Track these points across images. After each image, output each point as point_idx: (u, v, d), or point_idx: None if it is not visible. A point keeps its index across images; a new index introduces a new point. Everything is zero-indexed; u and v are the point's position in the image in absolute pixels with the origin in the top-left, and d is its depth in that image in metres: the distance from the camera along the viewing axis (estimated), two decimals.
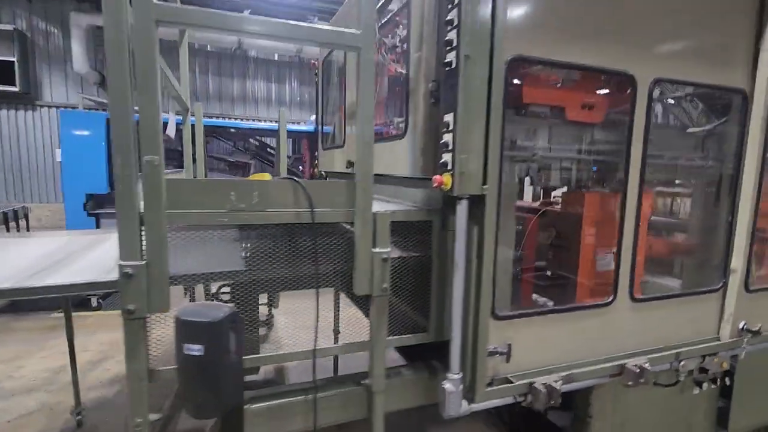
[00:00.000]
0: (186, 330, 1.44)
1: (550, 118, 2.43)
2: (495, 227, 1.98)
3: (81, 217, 6.90)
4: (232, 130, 8.11)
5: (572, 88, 2.45)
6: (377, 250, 1.95)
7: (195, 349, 1.41)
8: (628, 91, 2.35)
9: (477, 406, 2.11)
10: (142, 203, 1.63)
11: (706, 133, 2.79)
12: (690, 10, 2.40)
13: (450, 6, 1.86)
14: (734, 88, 2.60)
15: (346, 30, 1.83)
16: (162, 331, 1.77)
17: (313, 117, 9.99)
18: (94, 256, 2.73)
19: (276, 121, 13.69)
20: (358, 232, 1.95)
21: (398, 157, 2.35)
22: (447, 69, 1.90)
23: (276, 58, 14.00)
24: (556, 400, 2.11)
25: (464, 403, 2.09)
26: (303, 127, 8.74)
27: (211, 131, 7.81)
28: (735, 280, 2.74)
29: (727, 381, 2.93)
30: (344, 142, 3.39)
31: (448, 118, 1.90)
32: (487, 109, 1.89)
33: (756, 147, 2.62)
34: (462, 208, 1.95)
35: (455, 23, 1.83)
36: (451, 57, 1.87)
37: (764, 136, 2.60)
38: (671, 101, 2.69)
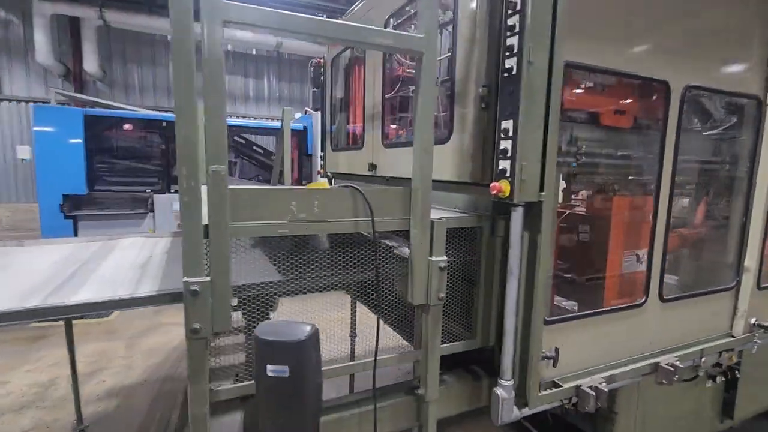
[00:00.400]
0: (270, 350, 1.36)
1: (586, 123, 2.46)
2: (551, 234, 1.98)
3: (57, 220, 6.50)
4: None
5: (607, 95, 2.49)
6: (434, 258, 1.92)
7: (280, 371, 1.34)
8: (658, 98, 2.42)
9: (527, 411, 2.12)
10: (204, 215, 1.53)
11: (720, 137, 2.90)
12: (714, 21, 2.48)
13: (510, 12, 1.84)
14: (750, 94, 2.72)
15: (410, 34, 1.78)
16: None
17: (299, 115, 9.79)
18: (112, 265, 2.57)
19: (257, 118, 13.40)
20: (416, 241, 1.91)
21: (440, 161, 2.31)
22: (506, 75, 1.88)
23: (254, 52, 13.62)
24: (603, 401, 2.15)
25: (515, 408, 2.10)
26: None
27: None
28: (748, 279, 2.87)
29: (737, 374, 3.08)
30: (363, 144, 3.33)
31: (507, 124, 1.88)
32: (545, 116, 1.88)
33: None
34: (518, 215, 1.95)
35: (516, 29, 1.81)
36: (511, 63, 1.85)
37: None
38: (694, 107, 2.78)
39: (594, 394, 2.13)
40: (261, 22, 1.50)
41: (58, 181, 6.47)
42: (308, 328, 1.41)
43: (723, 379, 3.08)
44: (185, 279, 1.49)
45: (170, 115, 7.63)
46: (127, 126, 6.91)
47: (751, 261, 2.86)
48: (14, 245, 3.04)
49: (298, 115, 9.77)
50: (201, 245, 1.51)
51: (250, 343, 1.85)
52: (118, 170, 7.14)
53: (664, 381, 2.43)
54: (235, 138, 8.41)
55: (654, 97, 2.45)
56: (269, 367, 1.36)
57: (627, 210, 2.50)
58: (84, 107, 7.03)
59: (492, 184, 1.92)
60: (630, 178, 2.62)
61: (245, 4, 1.46)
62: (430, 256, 1.92)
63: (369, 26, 1.73)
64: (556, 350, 2.17)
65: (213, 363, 1.76)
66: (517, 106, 1.83)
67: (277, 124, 9.93)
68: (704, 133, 2.93)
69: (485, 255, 2.15)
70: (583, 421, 2.92)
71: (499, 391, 2.07)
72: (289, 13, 1.56)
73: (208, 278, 1.52)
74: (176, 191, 7.31)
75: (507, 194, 1.89)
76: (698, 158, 2.88)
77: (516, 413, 2.10)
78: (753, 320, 2.92)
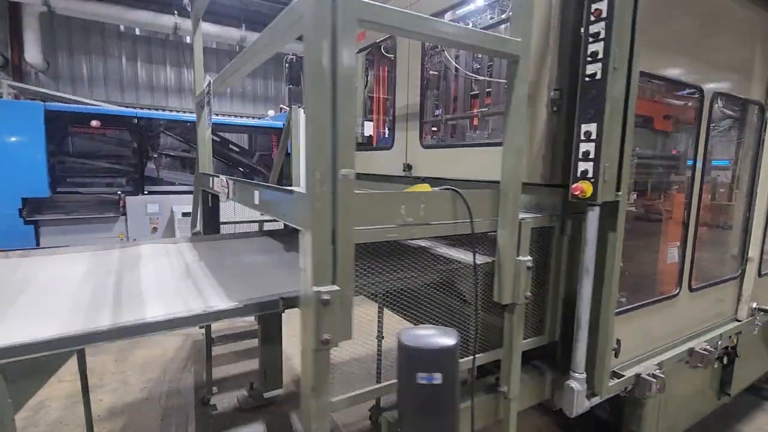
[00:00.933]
0: (421, 358, 1.33)
1: (639, 126, 2.61)
2: (623, 231, 2.09)
3: (16, 226, 5.88)
4: (188, 124, 7.39)
5: (657, 101, 2.65)
6: (521, 258, 1.96)
7: (432, 378, 1.32)
8: (693, 103, 2.62)
9: (596, 401, 2.22)
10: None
11: (729, 139, 3.18)
12: (731, 36, 2.72)
13: (594, 19, 1.91)
14: (755, 100, 3.01)
15: (508, 37, 1.80)
16: None
17: (271, 112, 9.50)
18: (153, 276, 2.38)
19: (227, 115, 12.80)
20: (504, 241, 1.94)
21: (498, 163, 2.35)
22: (587, 80, 1.95)
23: (214, 46, 13.01)
24: (662, 387, 2.30)
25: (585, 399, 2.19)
26: (268, 122, 8.25)
27: (158, 125, 7.03)
28: (752, 267, 3.18)
29: (737, 353, 3.40)
30: (393, 144, 3.31)
31: (589, 128, 1.95)
32: (623, 119, 1.98)
33: None
34: (594, 215, 2.03)
35: (601, 36, 1.89)
36: (594, 68, 1.92)
37: None
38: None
39: (655, 380, 2.27)
40: (397, 24, 1.46)
41: (17, 184, 5.86)
42: (453, 332, 1.40)
43: (726, 359, 3.39)
44: (315, 288, 1.42)
45: (144, 112, 7.15)
46: (94, 122, 6.37)
47: (754, 251, 3.17)
48: (18, 257, 2.74)
49: (271, 113, 9.48)
50: (330, 252, 1.45)
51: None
52: (84, 170, 6.57)
53: (699, 364, 2.63)
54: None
55: (689, 103, 2.64)
56: (420, 374, 1.34)
57: (670, 207, 2.68)
58: (45, 101, 6.40)
59: (574, 185, 1.98)
60: (670, 178, 2.80)
61: (384, 5, 1.41)
62: (517, 256, 1.96)
63: (473, 28, 1.73)
64: (618, 342, 2.29)
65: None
66: (602, 110, 1.91)
67: (249, 121, 9.57)
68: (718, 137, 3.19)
69: (556, 253, 2.22)
70: (600, 409, 3.10)
71: (573, 384, 2.15)
72: (426, 17, 1.54)
73: (338, 287, 1.46)
74: (151, 193, 6.87)
75: (589, 195, 1.97)
76: (712, 158, 3.14)
77: (586, 404, 2.19)
78: (754, 305, 3.24)
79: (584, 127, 1.98)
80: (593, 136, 1.95)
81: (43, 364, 1.56)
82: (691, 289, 2.78)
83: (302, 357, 1.54)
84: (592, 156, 1.96)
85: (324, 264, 1.44)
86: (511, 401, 2.10)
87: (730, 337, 3.13)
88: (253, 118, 11.76)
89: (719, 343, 2.98)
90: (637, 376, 2.32)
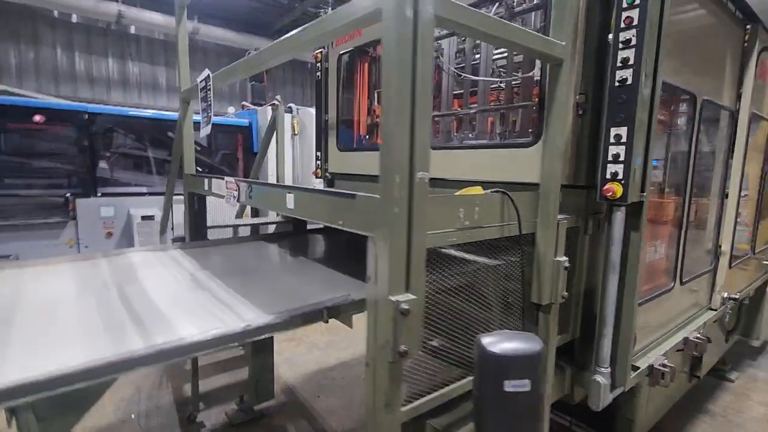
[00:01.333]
0: (509, 365, 1.31)
1: None
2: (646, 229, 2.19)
3: None
4: (146, 121, 6.87)
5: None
6: (559, 258, 1.99)
7: (522, 385, 1.30)
8: (686, 108, 2.80)
9: (617, 392, 2.32)
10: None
11: (706, 143, 3.44)
12: (713, 45, 2.95)
13: (624, 26, 1.97)
14: (727, 107, 3.28)
15: (554, 40, 1.81)
16: None
17: (232, 109, 9.08)
18: (161, 289, 2.18)
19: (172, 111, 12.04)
20: (543, 242, 1.96)
21: (525, 164, 2.38)
22: (618, 85, 2.02)
23: (161, 37, 12.21)
24: (672, 376, 2.43)
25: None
26: (232, 120, 7.86)
27: (111, 121, 6.49)
28: (724, 260, 3.47)
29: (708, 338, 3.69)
30: None
31: (619, 131, 2.02)
32: (648, 123, 2.07)
33: (741, 156, 3.35)
34: (621, 214, 2.11)
35: (632, 43, 1.96)
36: (625, 74, 1.99)
37: (746, 147, 3.34)
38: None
39: (668, 370, 2.40)
40: (473, 24, 1.41)
41: None
42: (535, 337, 1.39)
43: None
44: (393, 297, 1.35)
45: (97, 106, 6.54)
46: (37, 117, 5.74)
47: (726, 245, 3.46)
48: None
49: (231, 109, 9.06)
50: (404, 259, 1.38)
51: None
52: (25, 170, 5.90)
53: (695, 352, 2.83)
54: (169, 134, 7.49)
55: (682, 108, 2.82)
56: (508, 382, 1.31)
57: (667, 205, 2.84)
58: None
59: (606, 187, 2.05)
60: (668, 178, 2.97)
61: (457, 2, 1.36)
62: (555, 256, 1.99)
63: (520, 26, 1.73)
64: (634, 335, 2.40)
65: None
66: (633, 115, 1.98)
67: (217, 119, 9.07)
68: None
69: (579, 253, 2.28)
70: None
71: (599, 378, 2.22)
72: (492, 16, 1.50)
73: (413, 295, 1.39)
74: (105, 195, 6.31)
75: (619, 195, 2.04)
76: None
77: (610, 397, 2.28)
78: (725, 294, 3.54)
79: (614, 131, 2.04)
80: (623, 140, 2.02)
81: (76, 398, 1.36)
82: (681, 283, 2.97)
83: (372, 371, 1.45)
84: (622, 158, 2.02)
85: (399, 271, 1.38)
86: (545, 399, 2.13)
87: (706, 323, 3.39)
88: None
89: (704, 331, 3.22)
90: (651, 367, 2.44)
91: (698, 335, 2.88)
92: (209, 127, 2.69)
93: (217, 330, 1.59)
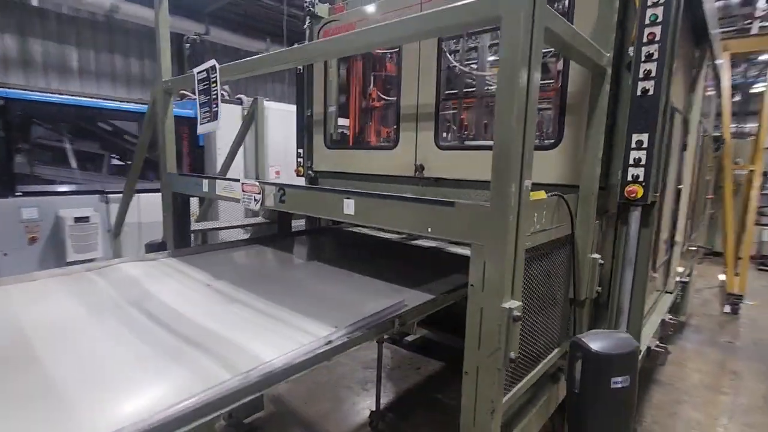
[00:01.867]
0: (613, 363, 1.38)
1: None
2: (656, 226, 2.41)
3: None
4: (73, 109, 6.04)
5: None
6: (593, 255, 2.13)
7: (621, 381, 1.38)
8: None
9: None
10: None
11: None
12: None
13: (647, 41, 2.14)
14: (680, 110, 3.70)
15: (603, 51, 1.91)
16: None
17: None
18: (184, 307, 1.97)
19: (95, 98, 10.71)
20: (581, 241, 2.08)
21: (546, 166, 2.48)
22: (640, 95, 2.19)
23: (71, 13, 10.76)
24: (666, 356, 2.72)
25: None
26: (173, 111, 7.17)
27: (27, 109, 5.63)
28: (678, 249, 3.94)
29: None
30: (397, 144, 3.22)
31: (641, 137, 2.19)
32: (663, 129, 2.27)
33: (692, 154, 3.82)
34: (638, 213, 2.30)
35: (655, 57, 2.13)
36: (647, 85, 2.16)
37: (699, 150, 3.81)
38: None
39: (664, 350, 2.68)
40: (568, 39, 1.44)
41: None
42: (628, 336, 1.48)
43: None
44: (506, 305, 1.35)
45: (13, 91, 5.59)
46: None
47: (679, 236, 3.92)
48: None
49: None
50: (511, 266, 1.39)
51: None
52: None
53: (670, 331, 3.19)
54: (100, 124, 6.68)
55: None
56: (612, 379, 1.38)
57: None
58: None
59: (629, 188, 2.22)
60: None
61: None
62: (590, 253, 2.12)
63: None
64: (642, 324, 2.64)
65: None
66: (655, 122, 2.16)
67: (136, 107, 8.19)
68: None
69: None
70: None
71: None
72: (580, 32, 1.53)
73: (518, 302, 1.40)
74: (26, 194, 5.46)
75: (640, 196, 2.22)
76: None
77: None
78: (678, 278, 4.02)
79: (635, 137, 2.22)
80: (644, 145, 2.20)
81: None
82: (654, 270, 3.33)
83: (472, 378, 1.44)
84: (643, 162, 2.21)
85: (508, 279, 1.38)
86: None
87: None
88: (137, 103, 10.12)
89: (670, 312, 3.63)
90: (649, 348, 2.71)
91: (671, 316, 3.25)
92: (216, 123, 2.45)
93: (298, 349, 1.47)
